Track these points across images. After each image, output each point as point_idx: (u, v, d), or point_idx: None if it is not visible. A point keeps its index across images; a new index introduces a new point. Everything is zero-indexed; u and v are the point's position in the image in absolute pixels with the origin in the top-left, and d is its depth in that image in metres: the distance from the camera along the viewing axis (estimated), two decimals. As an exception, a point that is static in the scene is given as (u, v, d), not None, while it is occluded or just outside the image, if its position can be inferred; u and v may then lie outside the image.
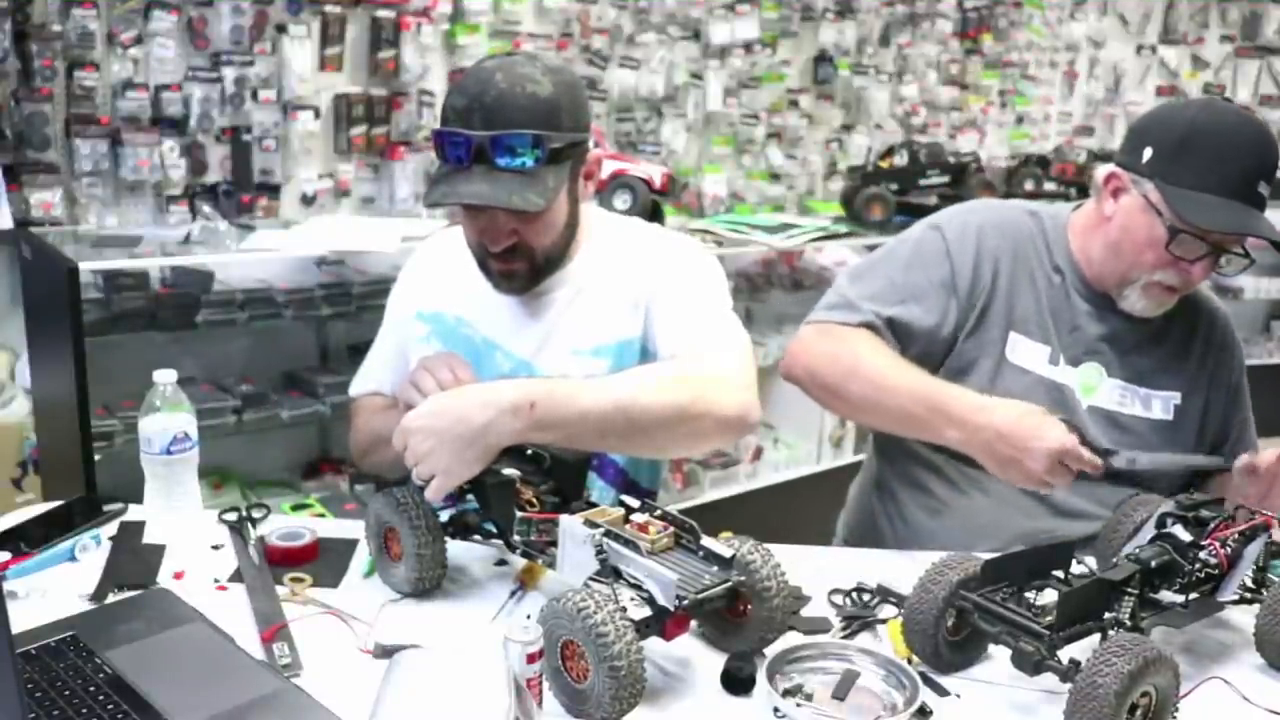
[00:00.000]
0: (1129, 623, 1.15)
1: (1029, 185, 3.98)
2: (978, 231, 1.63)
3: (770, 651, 1.15)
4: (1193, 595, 1.22)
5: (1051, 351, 1.61)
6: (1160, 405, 1.64)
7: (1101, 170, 1.59)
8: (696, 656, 1.22)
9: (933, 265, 1.62)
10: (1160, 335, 1.65)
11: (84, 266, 2.32)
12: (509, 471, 1.32)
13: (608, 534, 1.18)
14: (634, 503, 1.24)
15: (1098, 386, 1.62)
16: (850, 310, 1.61)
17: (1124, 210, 1.55)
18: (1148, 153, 1.51)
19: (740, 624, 1.20)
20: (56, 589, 1.31)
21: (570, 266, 1.58)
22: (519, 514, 1.29)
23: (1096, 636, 1.14)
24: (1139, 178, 1.53)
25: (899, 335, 1.61)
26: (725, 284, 1.61)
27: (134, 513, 1.51)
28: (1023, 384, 1.59)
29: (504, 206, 1.39)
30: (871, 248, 3.80)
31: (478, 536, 1.38)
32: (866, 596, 1.38)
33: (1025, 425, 1.42)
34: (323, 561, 1.41)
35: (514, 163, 1.38)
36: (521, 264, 1.50)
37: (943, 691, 1.18)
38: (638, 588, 1.14)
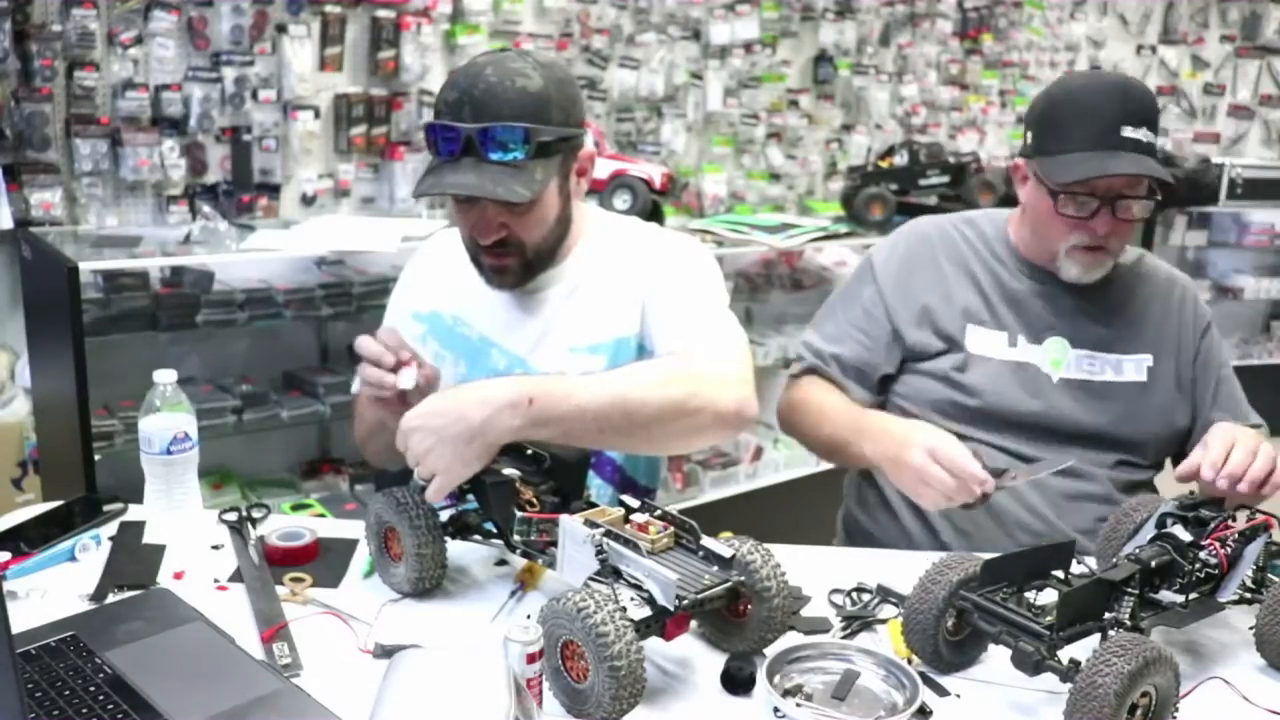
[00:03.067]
0: (1129, 623, 1.15)
1: (1029, 185, 3.97)
2: (905, 252, 1.77)
3: (770, 651, 1.15)
4: (1193, 595, 1.22)
5: (1009, 335, 1.69)
6: (1133, 368, 1.70)
7: (1014, 162, 1.72)
8: (696, 656, 1.22)
9: (867, 297, 1.76)
10: (1121, 304, 1.72)
11: (84, 266, 2.32)
12: (509, 471, 1.32)
13: (608, 534, 1.18)
14: (634, 503, 1.24)
15: (1064, 359, 1.68)
16: (804, 358, 1.79)
17: (1028, 193, 1.68)
18: (1029, 136, 1.66)
19: (740, 624, 1.21)
20: (56, 589, 1.31)
21: (565, 264, 1.58)
22: (519, 514, 1.29)
23: (1096, 636, 1.14)
24: (1028, 160, 1.66)
25: (855, 369, 1.74)
26: (722, 282, 1.61)
27: (134, 513, 1.51)
28: (988, 370, 1.68)
29: (489, 197, 1.41)
30: (869, 247, 3.83)
31: (478, 536, 1.38)
32: (866, 596, 1.38)
33: (906, 428, 1.55)
34: (323, 561, 1.41)
35: (502, 155, 1.40)
36: (512, 259, 1.51)
37: (943, 691, 1.18)
38: (638, 588, 1.14)
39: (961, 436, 1.58)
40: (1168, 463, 1.75)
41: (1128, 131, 1.55)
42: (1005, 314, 1.70)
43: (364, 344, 1.44)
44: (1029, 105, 1.71)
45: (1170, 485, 1.72)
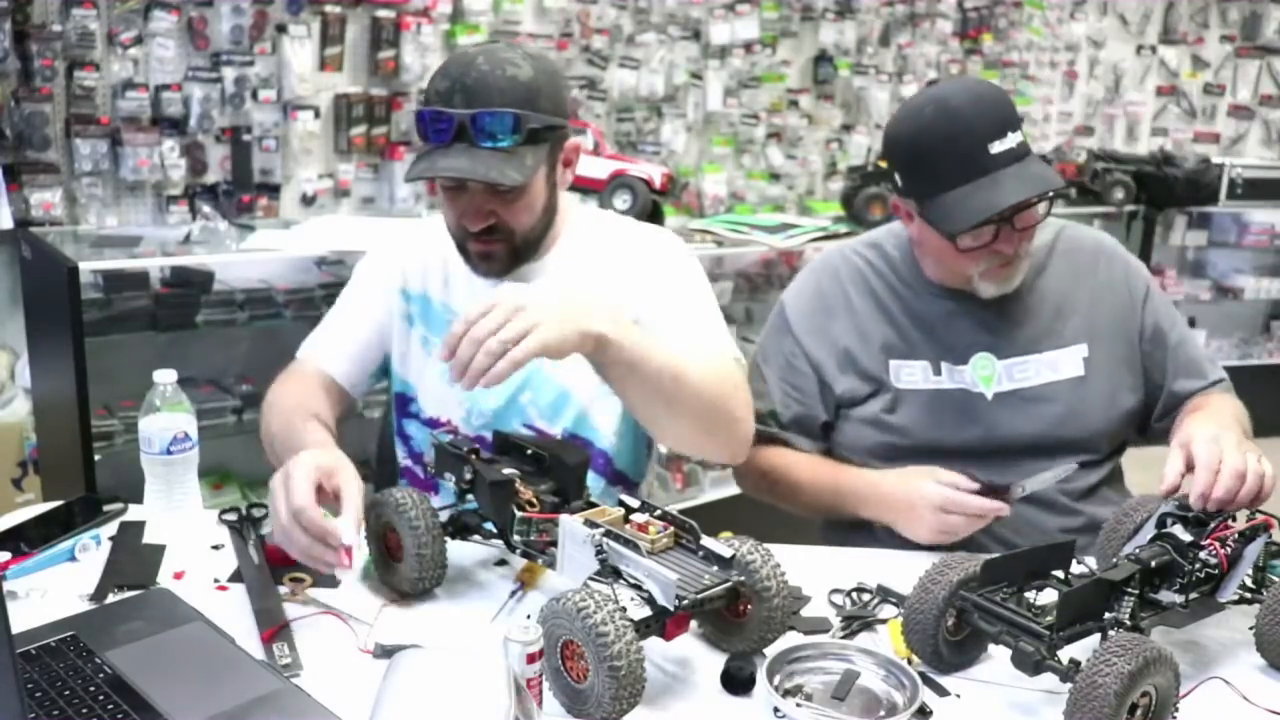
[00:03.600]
0: (1129, 623, 1.15)
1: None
2: (814, 294, 1.71)
3: (770, 651, 1.15)
4: (1193, 595, 1.21)
5: (931, 364, 1.63)
6: (1069, 362, 1.63)
7: (891, 200, 1.65)
8: (696, 656, 1.22)
9: (787, 350, 1.70)
10: (1042, 297, 1.65)
11: (84, 266, 2.32)
12: (509, 471, 1.32)
13: (608, 534, 1.18)
14: (634, 503, 1.24)
15: (993, 373, 1.62)
16: (761, 427, 1.65)
17: (918, 229, 1.60)
18: (897, 177, 1.58)
19: (740, 624, 1.20)
20: (56, 589, 1.31)
21: (549, 256, 1.60)
22: (519, 514, 1.29)
23: (1096, 636, 1.13)
24: (905, 199, 1.58)
25: (795, 424, 1.69)
26: (709, 285, 1.64)
27: (134, 513, 1.51)
28: (919, 403, 1.62)
29: (482, 179, 1.42)
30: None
31: (478, 536, 1.38)
32: (866, 596, 1.38)
33: (905, 489, 1.51)
34: (323, 561, 1.41)
35: (494, 141, 1.42)
36: (500, 245, 1.52)
37: (943, 691, 1.18)
38: (638, 588, 1.14)
39: None
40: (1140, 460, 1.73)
41: (996, 147, 1.46)
42: (923, 342, 1.63)
43: (293, 535, 1.24)
44: (886, 140, 1.60)
45: (1138, 482, 1.72)
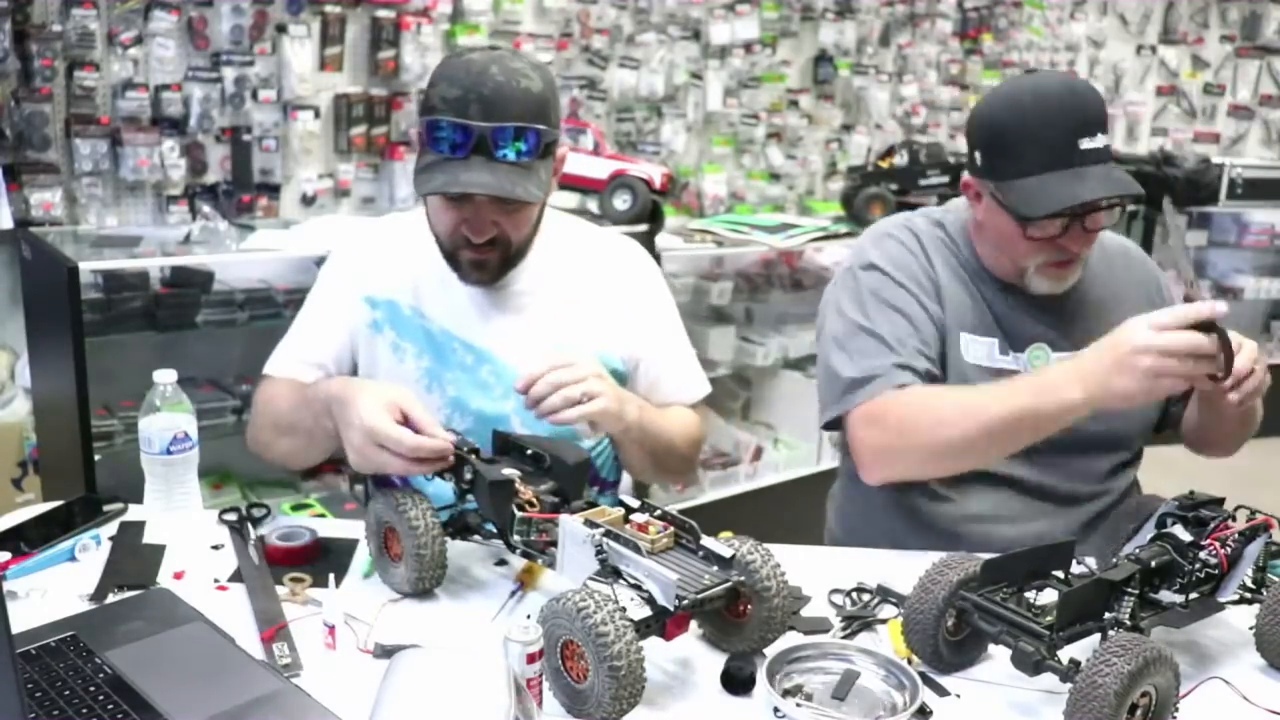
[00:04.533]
0: (1129, 623, 1.15)
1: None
2: (901, 252, 1.64)
3: (770, 651, 1.15)
4: (1193, 595, 1.21)
5: (999, 342, 1.62)
6: None
7: (963, 178, 1.63)
8: (696, 656, 1.22)
9: (900, 300, 1.60)
10: (1082, 295, 1.66)
11: (84, 266, 2.32)
12: (509, 471, 1.32)
13: (608, 534, 1.18)
14: (634, 503, 1.24)
15: (1048, 365, 1.61)
16: (873, 384, 1.53)
17: (985, 212, 1.58)
18: (978, 156, 1.56)
19: (740, 624, 1.20)
20: (56, 589, 1.31)
21: (530, 258, 1.61)
22: (519, 514, 1.29)
23: (1096, 636, 1.14)
24: (982, 179, 1.57)
25: (929, 377, 1.57)
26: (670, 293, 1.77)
27: (134, 513, 1.51)
28: (980, 378, 1.59)
29: (510, 197, 1.43)
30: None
31: (478, 536, 1.38)
32: (866, 596, 1.38)
33: (1111, 337, 1.39)
34: (323, 561, 1.41)
35: (514, 155, 1.42)
36: (495, 254, 1.53)
37: (943, 691, 1.18)
38: (638, 588, 1.14)
39: None
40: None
41: (1085, 144, 1.48)
42: (994, 324, 1.62)
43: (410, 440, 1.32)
44: (971, 117, 1.60)
45: (1154, 481, 1.72)
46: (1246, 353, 1.39)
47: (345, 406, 1.36)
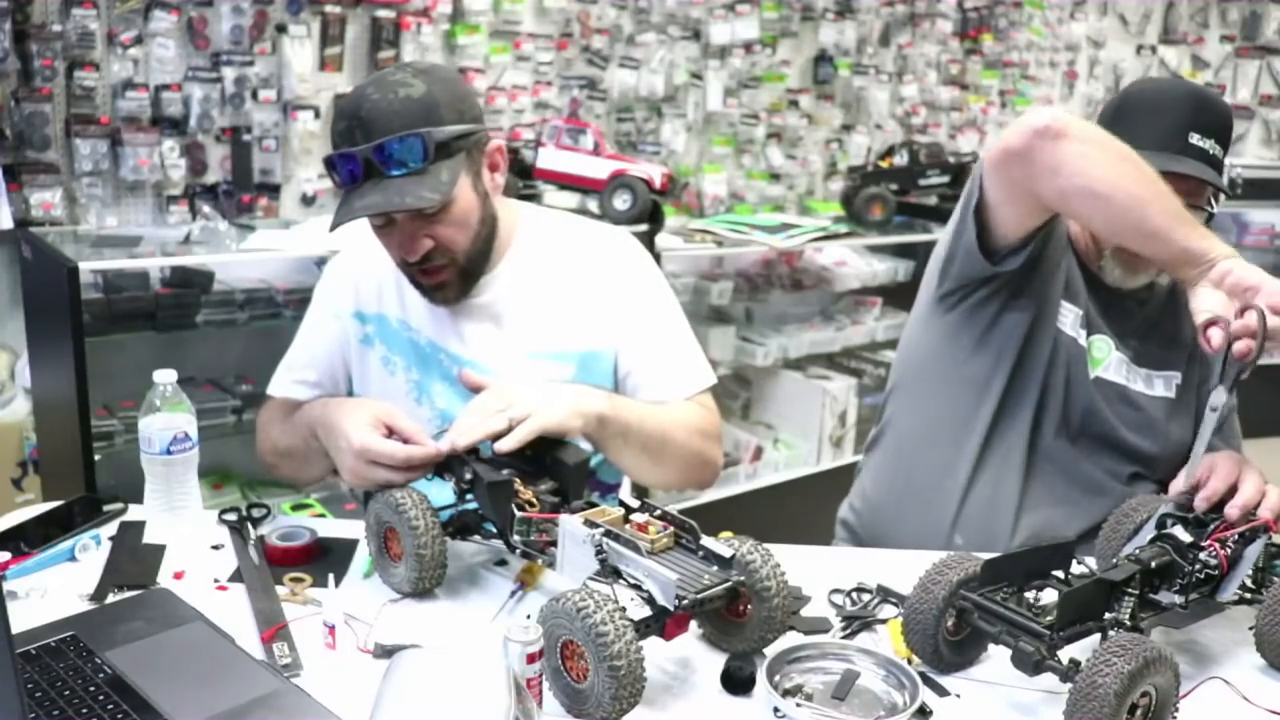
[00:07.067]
0: (1129, 623, 1.15)
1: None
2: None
3: (770, 651, 1.15)
4: (1193, 596, 1.21)
5: (1083, 316, 1.65)
6: (1163, 384, 1.69)
7: None
8: (696, 656, 1.22)
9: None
10: (1156, 317, 1.69)
11: (84, 266, 2.31)
12: (509, 471, 1.32)
13: (608, 534, 1.18)
14: (634, 503, 1.24)
15: (1106, 359, 1.66)
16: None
17: None
18: (1099, 124, 1.58)
19: (740, 624, 1.20)
20: (56, 589, 1.31)
21: (503, 265, 1.58)
22: (519, 514, 1.29)
23: (1096, 636, 1.14)
24: None
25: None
26: (671, 291, 1.69)
27: (134, 513, 1.51)
28: (1061, 343, 1.63)
29: (398, 209, 1.40)
30: (872, 248, 3.84)
31: (478, 536, 1.38)
32: (866, 596, 1.38)
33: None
34: (323, 561, 1.41)
35: (402, 168, 1.39)
36: (446, 271, 1.51)
37: (943, 691, 1.18)
38: (638, 588, 1.14)
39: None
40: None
41: (1195, 139, 1.54)
42: (1085, 296, 1.65)
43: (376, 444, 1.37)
44: (1104, 104, 1.69)
45: None
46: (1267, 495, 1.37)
47: (331, 431, 1.42)
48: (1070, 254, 1.66)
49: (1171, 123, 1.55)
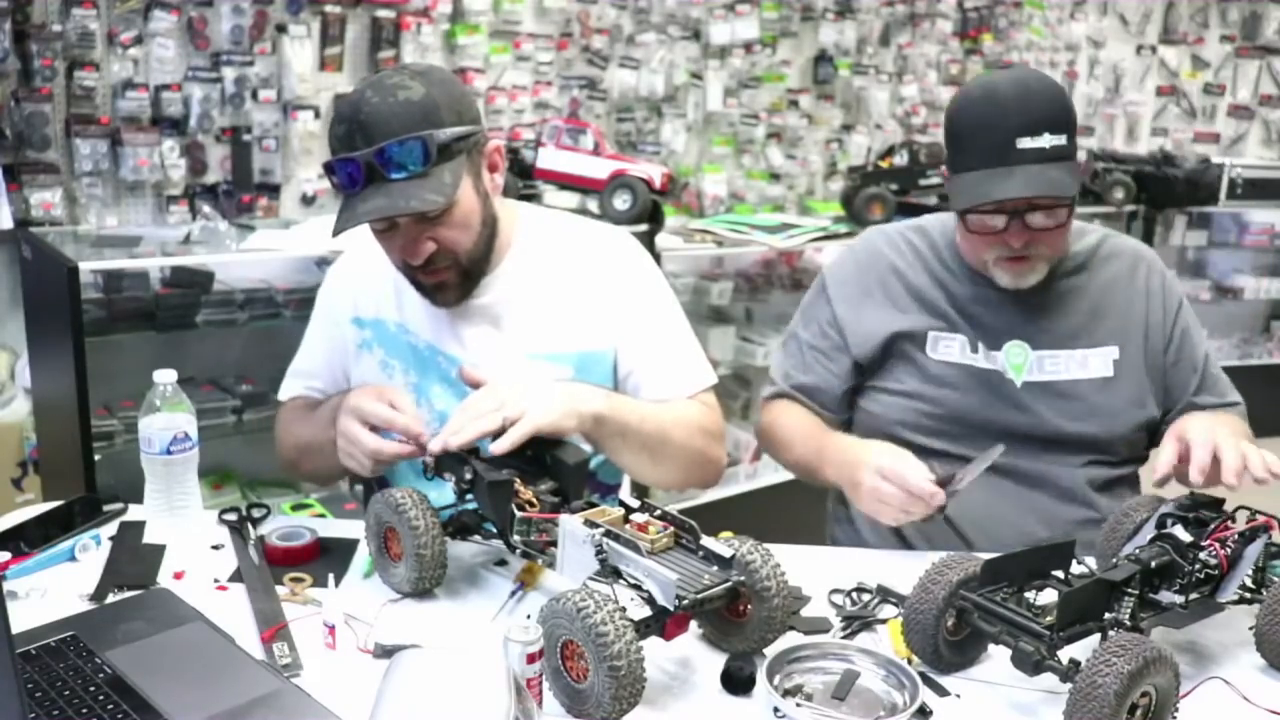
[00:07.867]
0: (1129, 623, 1.15)
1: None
2: (856, 269, 1.75)
3: (770, 651, 1.15)
4: (1193, 596, 1.21)
5: (969, 340, 1.66)
6: (1099, 362, 1.65)
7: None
8: (696, 656, 1.22)
9: (824, 320, 1.75)
10: (1079, 295, 1.67)
11: (84, 266, 2.32)
12: (509, 471, 1.32)
13: (608, 534, 1.18)
14: (634, 503, 1.24)
15: (1025, 363, 1.65)
16: (774, 384, 1.80)
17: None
18: (945, 150, 1.63)
19: (740, 624, 1.20)
20: (56, 589, 1.31)
21: (502, 266, 1.58)
22: (519, 514, 1.29)
23: (1096, 636, 1.14)
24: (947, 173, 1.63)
25: (819, 392, 1.74)
26: (671, 290, 1.69)
27: (134, 513, 1.51)
28: (952, 375, 1.65)
29: (403, 213, 1.40)
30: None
31: (478, 536, 1.38)
32: (866, 596, 1.38)
33: (860, 451, 1.52)
34: (323, 561, 1.41)
35: (405, 171, 1.39)
36: (449, 272, 1.50)
37: (943, 691, 1.18)
38: (638, 588, 1.14)
39: (928, 449, 1.59)
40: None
41: (1024, 143, 1.48)
42: (961, 322, 1.66)
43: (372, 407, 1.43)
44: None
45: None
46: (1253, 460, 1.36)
47: (341, 405, 1.47)
48: (938, 289, 1.68)
49: (997, 136, 1.49)
